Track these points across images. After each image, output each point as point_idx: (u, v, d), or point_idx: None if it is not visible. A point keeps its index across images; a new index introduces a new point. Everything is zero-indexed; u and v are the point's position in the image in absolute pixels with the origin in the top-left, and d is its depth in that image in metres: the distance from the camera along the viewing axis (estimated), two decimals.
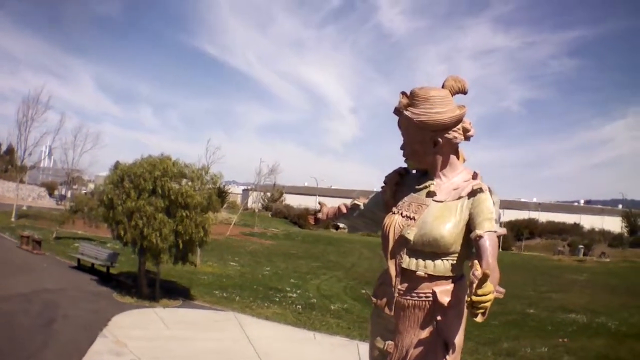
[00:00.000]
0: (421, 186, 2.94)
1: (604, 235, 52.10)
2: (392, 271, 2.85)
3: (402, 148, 2.95)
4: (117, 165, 12.72)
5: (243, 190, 75.52)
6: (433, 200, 2.84)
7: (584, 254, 42.26)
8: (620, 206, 68.88)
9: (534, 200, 72.62)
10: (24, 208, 34.90)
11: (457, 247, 2.72)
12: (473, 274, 2.19)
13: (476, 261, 2.34)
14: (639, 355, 9.86)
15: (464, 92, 2.83)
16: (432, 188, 2.88)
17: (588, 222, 61.01)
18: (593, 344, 10.72)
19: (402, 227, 2.82)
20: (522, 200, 70.26)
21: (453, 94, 2.79)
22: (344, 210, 3.52)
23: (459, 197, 2.78)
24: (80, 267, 14.95)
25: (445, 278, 2.76)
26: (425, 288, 2.75)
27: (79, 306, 10.20)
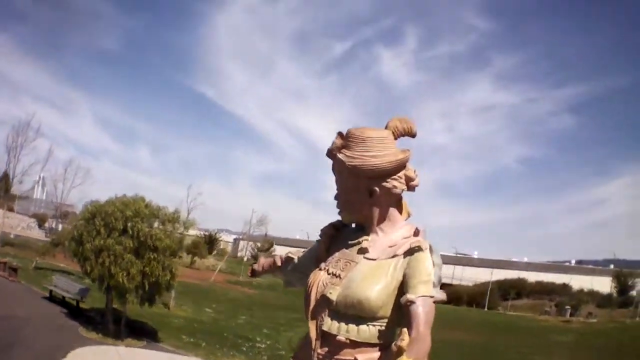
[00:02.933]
0: (354, 241, 2.60)
1: (593, 295, 51.33)
2: (313, 333, 2.53)
3: (335, 198, 2.60)
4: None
5: (234, 239, 74.97)
6: (364, 257, 2.50)
7: (571, 315, 41.62)
8: (612, 266, 67.88)
9: (525, 260, 71.92)
10: (12, 236, 34.78)
11: (386, 311, 2.38)
12: (395, 344, 2.01)
13: (405, 329, 2.09)
14: None
15: (412, 135, 2.49)
16: (364, 244, 2.53)
17: (578, 282, 60.21)
18: None
19: (325, 285, 2.50)
20: (513, 259, 69.43)
21: (397, 136, 2.45)
22: (279, 264, 3.16)
23: (394, 256, 2.44)
24: (52, 298, 14.96)
25: (372, 345, 2.40)
26: (347, 354, 2.41)
27: (43, 336, 10.25)
